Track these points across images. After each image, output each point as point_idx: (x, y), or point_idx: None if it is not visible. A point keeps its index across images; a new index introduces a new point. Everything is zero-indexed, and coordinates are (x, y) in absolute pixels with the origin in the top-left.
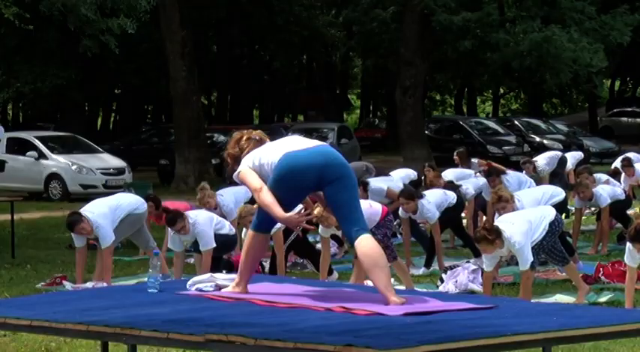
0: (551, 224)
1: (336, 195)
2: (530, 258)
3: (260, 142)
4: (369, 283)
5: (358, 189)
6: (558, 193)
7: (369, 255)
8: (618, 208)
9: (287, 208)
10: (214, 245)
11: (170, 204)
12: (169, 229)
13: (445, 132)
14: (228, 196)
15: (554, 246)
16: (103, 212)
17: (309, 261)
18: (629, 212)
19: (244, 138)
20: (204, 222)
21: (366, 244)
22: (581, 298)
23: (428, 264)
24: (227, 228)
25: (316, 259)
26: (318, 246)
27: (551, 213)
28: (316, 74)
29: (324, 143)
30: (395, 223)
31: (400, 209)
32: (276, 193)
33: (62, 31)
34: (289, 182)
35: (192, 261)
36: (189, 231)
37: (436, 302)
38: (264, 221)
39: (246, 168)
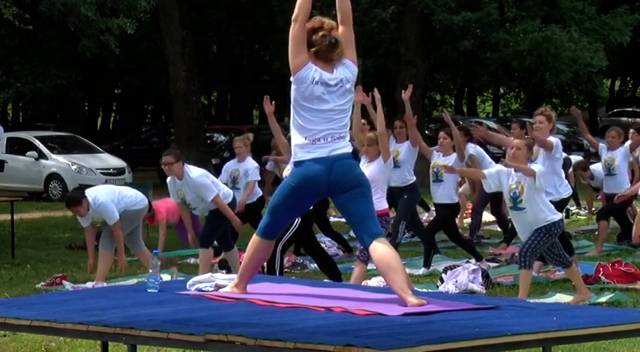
0: (549, 227)
1: (346, 205)
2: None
3: (332, 47)
4: (368, 283)
5: (372, 194)
6: (568, 188)
7: (382, 260)
8: (617, 207)
9: (297, 211)
10: (216, 192)
11: (162, 203)
12: (168, 179)
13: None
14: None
15: (552, 248)
16: (105, 198)
17: (314, 260)
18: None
19: (321, 33)
20: (200, 174)
21: (379, 249)
22: (576, 301)
23: (427, 264)
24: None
25: (320, 260)
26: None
27: (557, 215)
28: None
29: (344, 149)
30: (403, 227)
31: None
32: (291, 200)
33: (62, 31)
34: (302, 189)
35: (192, 261)
36: (184, 177)
37: (436, 302)
38: (270, 226)
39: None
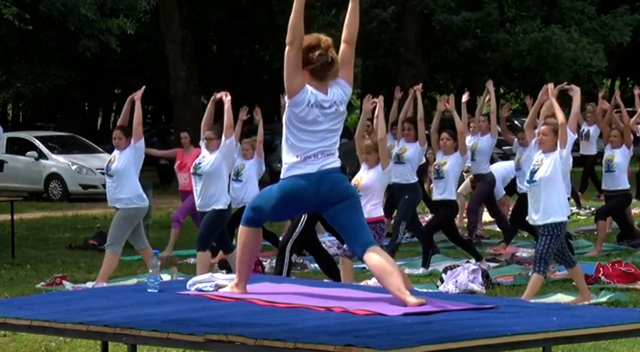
0: (553, 225)
1: (337, 216)
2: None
3: (328, 66)
4: (368, 283)
5: (361, 205)
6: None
7: (377, 266)
8: (616, 206)
9: (282, 217)
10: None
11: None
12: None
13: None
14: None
15: (560, 248)
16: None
17: (315, 259)
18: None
19: (318, 52)
20: (230, 148)
21: (372, 257)
22: (577, 303)
23: (425, 264)
24: (224, 200)
25: (321, 260)
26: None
27: (563, 217)
28: None
29: (333, 164)
30: (404, 227)
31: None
32: (277, 208)
33: (62, 31)
34: (288, 202)
35: (192, 261)
36: (215, 148)
37: (436, 302)
38: (254, 219)
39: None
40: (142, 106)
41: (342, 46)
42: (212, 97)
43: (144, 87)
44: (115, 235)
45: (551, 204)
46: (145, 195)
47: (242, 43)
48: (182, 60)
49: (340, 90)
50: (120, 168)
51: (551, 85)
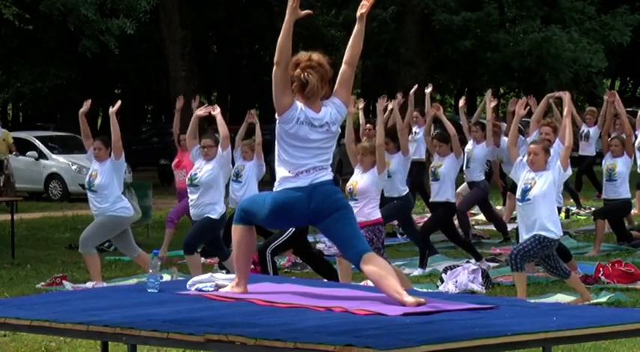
0: (544, 237)
1: (330, 228)
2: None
3: (302, 87)
4: (368, 283)
5: (354, 215)
6: (560, 198)
7: (372, 271)
8: (616, 210)
9: (274, 227)
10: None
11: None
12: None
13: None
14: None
15: (549, 261)
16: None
17: (308, 265)
18: (633, 211)
19: (297, 71)
20: (227, 159)
21: (368, 263)
22: (578, 303)
23: (423, 264)
24: (219, 210)
25: (315, 263)
26: (319, 246)
27: (556, 235)
28: None
29: (325, 177)
30: (395, 223)
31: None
32: (268, 219)
33: (62, 31)
34: (279, 215)
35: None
36: (212, 156)
37: (436, 302)
38: (245, 219)
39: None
40: (142, 106)
41: (343, 66)
42: (196, 113)
43: (119, 101)
44: (88, 236)
45: (545, 221)
46: (129, 205)
47: (242, 43)
48: (182, 60)
49: (335, 110)
50: (103, 184)
51: (523, 100)
